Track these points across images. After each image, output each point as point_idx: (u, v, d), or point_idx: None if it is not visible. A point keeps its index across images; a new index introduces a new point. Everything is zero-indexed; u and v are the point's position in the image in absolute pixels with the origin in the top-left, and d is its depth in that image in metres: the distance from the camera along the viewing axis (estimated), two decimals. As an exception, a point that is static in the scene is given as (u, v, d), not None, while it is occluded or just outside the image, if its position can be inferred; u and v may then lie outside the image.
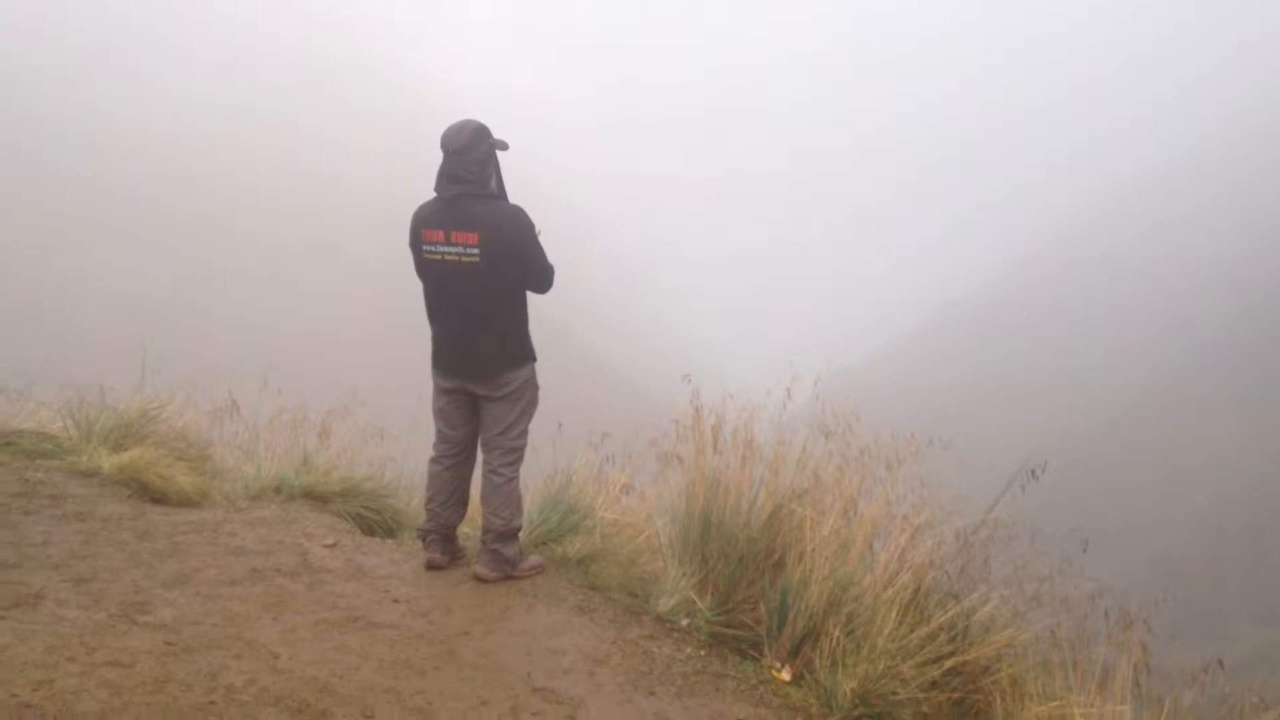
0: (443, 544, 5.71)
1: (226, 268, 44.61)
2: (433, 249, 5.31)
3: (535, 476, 6.61)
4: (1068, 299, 57.98)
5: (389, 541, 6.31)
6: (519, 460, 5.59)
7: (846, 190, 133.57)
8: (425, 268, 5.43)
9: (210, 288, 42.44)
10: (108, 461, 6.55)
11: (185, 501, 6.46)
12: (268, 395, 8.37)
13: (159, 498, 6.41)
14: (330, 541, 5.90)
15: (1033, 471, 5.69)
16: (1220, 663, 4.93)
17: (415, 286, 5.50)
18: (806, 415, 6.63)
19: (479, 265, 5.24)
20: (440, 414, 5.68)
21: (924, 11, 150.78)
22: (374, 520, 6.84)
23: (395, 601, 5.12)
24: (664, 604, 5.39)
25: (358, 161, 61.06)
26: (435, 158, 5.31)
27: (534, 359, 5.58)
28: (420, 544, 5.80)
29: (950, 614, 4.98)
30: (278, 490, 6.78)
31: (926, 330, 72.73)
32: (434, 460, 5.72)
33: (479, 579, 5.52)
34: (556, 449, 7.14)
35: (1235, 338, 38.88)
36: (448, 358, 5.53)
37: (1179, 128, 79.68)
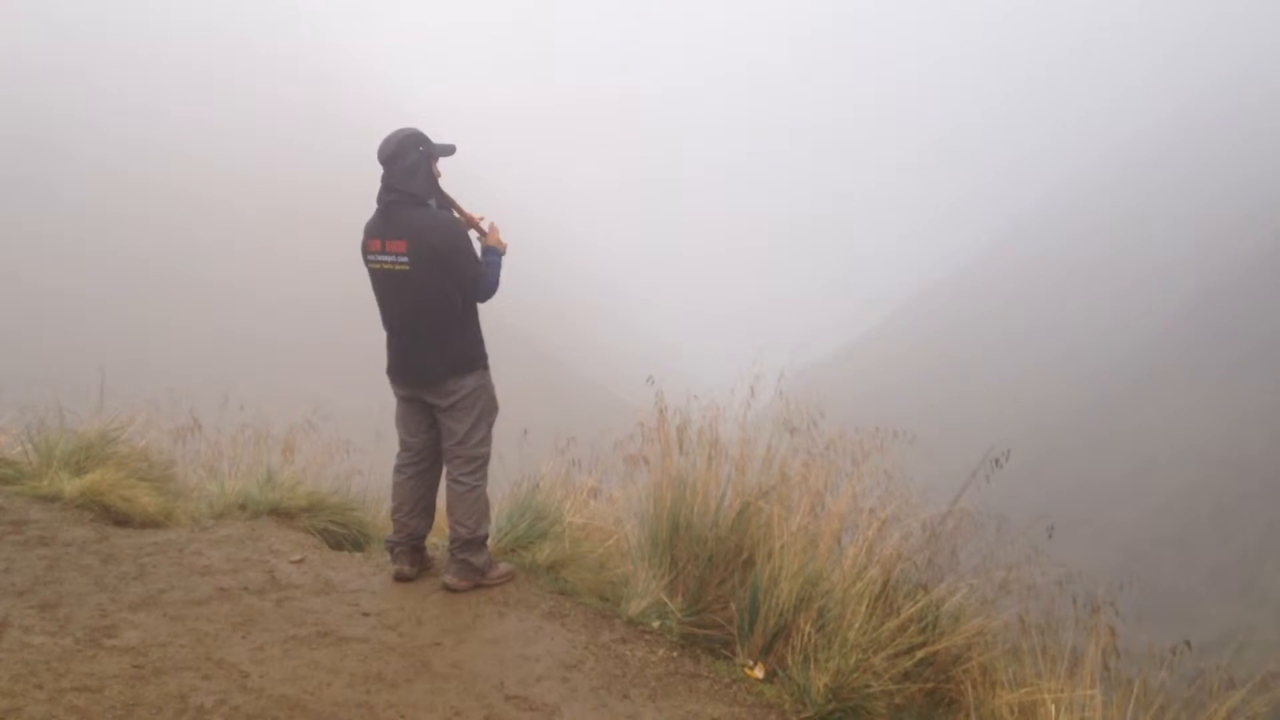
0: (411, 555, 5.69)
1: (183, 279, 44.16)
2: (374, 258, 5.38)
3: (502, 483, 6.59)
4: (1032, 291, 58.46)
5: (357, 555, 6.27)
6: (481, 468, 5.57)
7: (807, 190, 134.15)
8: (370, 277, 5.48)
9: (167, 299, 42.00)
10: (69, 485, 6.47)
11: (149, 523, 6.41)
12: (230, 411, 8.31)
13: (122, 520, 6.35)
14: (297, 557, 5.86)
15: (996, 460, 5.73)
16: (1188, 643, 4.97)
17: (373, 295, 5.52)
18: (771, 412, 6.64)
19: (410, 273, 5.30)
20: (399, 421, 5.71)
21: (885, 12, 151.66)
22: (341, 534, 6.80)
23: (365, 615, 5.09)
24: (635, 607, 5.39)
25: (314, 169, 60.64)
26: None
27: (483, 366, 5.56)
28: (389, 556, 5.77)
29: (920, 605, 5.01)
30: (243, 508, 6.73)
31: (890, 325, 73.14)
32: (397, 469, 5.73)
33: (449, 588, 5.50)
34: (523, 455, 7.13)
35: (1199, 326, 39.30)
36: (395, 365, 5.57)
37: (1137, 117, 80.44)
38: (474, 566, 5.55)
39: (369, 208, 5.52)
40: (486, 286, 5.51)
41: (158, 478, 7.19)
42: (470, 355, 5.49)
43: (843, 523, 5.66)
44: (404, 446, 5.70)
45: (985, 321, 58.01)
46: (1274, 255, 38.94)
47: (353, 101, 78.62)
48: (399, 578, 5.62)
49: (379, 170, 5.41)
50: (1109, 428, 36.72)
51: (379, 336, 5.52)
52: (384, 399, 5.76)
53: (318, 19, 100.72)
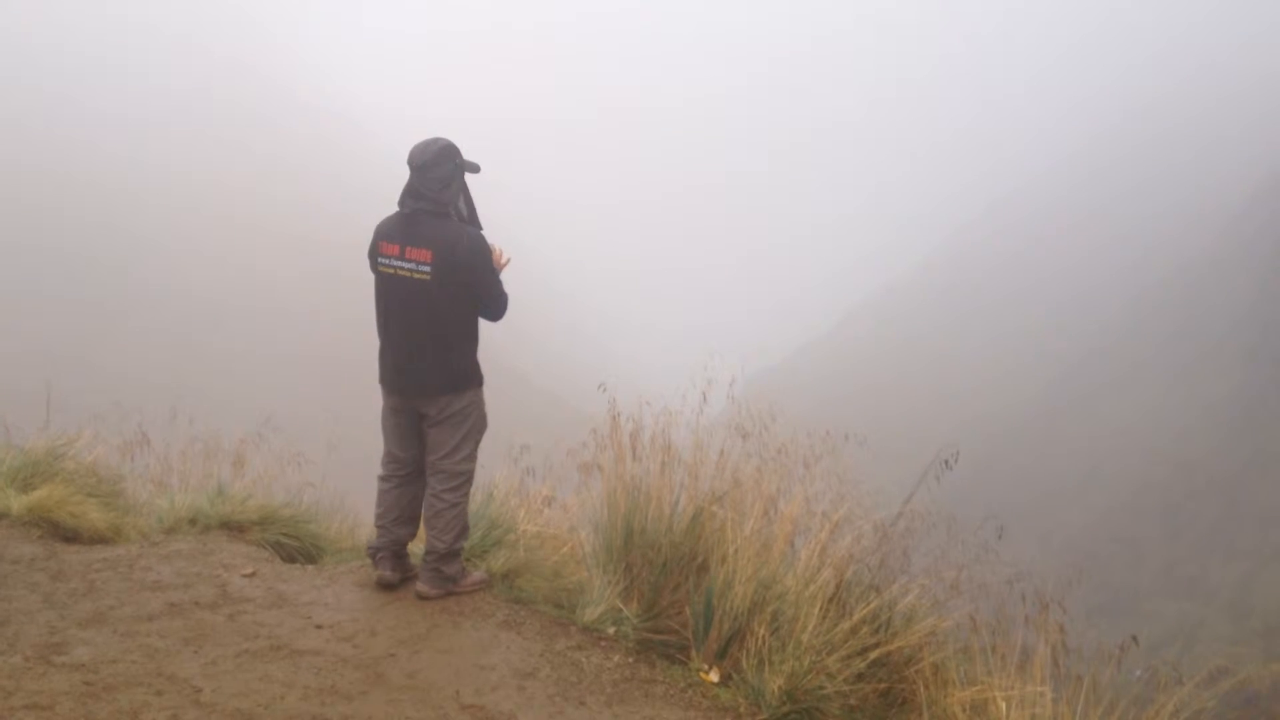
0: (394, 561, 5.66)
1: (131, 288, 43.57)
2: (387, 262, 5.31)
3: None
4: (981, 297, 59.03)
5: (310, 568, 6.22)
6: (464, 484, 5.55)
7: (761, 200, 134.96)
8: (378, 279, 5.41)
9: (116, 309, 41.43)
10: (16, 502, 6.39)
11: (98, 539, 6.33)
12: (179, 424, 8.23)
13: (71, 536, 6.28)
14: (249, 571, 5.82)
15: (946, 462, 5.78)
16: (1135, 639, 5.03)
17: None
18: (724, 418, 6.68)
19: (429, 283, 5.24)
20: (389, 432, 5.65)
21: (861, 30, 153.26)
22: (293, 547, 6.75)
23: (319, 627, 5.06)
24: (590, 614, 5.40)
25: (264, 175, 60.11)
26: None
27: (479, 384, 5.55)
28: (370, 561, 5.74)
29: (872, 606, 5.04)
30: (193, 522, 6.67)
31: (840, 332, 73.54)
32: (383, 478, 5.69)
33: (421, 596, 5.50)
34: (476, 463, 7.11)
35: (1146, 330, 39.84)
36: (391, 374, 5.50)
37: (1088, 123, 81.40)
38: (446, 575, 5.54)
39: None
40: (502, 305, 5.51)
41: (106, 493, 7.11)
42: (469, 372, 5.48)
43: (795, 526, 5.69)
44: (391, 458, 5.67)
45: (934, 327, 58.50)
46: (1217, 260, 39.59)
47: (314, 115, 77.97)
48: (382, 583, 5.59)
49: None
50: (1058, 429, 37.16)
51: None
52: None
53: (289, 27, 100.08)
